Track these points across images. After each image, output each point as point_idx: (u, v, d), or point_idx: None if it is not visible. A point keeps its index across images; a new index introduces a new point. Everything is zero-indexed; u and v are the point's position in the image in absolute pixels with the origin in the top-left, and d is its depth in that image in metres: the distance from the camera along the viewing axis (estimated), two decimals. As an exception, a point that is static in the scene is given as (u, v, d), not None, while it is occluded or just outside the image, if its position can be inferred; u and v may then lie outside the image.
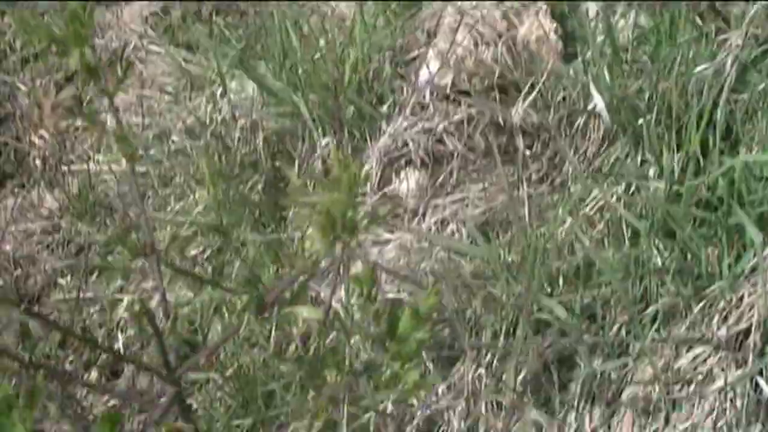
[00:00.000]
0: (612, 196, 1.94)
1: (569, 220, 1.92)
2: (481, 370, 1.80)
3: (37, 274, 2.36)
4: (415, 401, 1.81)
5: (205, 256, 2.23)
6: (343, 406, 1.68)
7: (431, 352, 1.82)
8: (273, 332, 1.87)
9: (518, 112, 2.10)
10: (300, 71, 2.18)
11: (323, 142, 2.17)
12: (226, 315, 1.93)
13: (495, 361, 1.80)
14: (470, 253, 1.95)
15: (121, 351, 2.19)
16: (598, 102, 2.05)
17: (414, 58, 2.27)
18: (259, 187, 2.20)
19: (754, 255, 1.79)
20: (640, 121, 2.00)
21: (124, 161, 2.42)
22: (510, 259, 1.90)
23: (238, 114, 2.28)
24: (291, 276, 0.79)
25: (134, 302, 1.09)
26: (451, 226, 2.05)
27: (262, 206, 2.20)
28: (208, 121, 2.26)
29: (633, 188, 1.96)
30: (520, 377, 1.78)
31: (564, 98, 2.11)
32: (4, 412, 0.53)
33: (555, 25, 2.27)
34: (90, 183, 2.45)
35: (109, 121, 2.60)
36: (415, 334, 0.78)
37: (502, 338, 1.81)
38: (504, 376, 1.78)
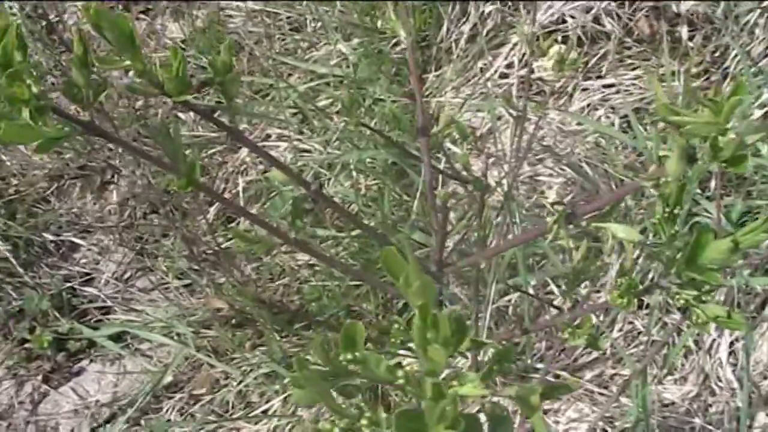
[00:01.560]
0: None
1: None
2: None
3: (159, 106, 2.31)
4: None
5: (335, 110, 2.17)
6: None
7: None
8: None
9: (685, -1, 1.98)
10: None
11: (478, 8, 2.07)
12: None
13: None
14: (623, 140, 1.88)
15: (241, 195, 2.17)
16: (772, -2, 1.94)
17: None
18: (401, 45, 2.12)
19: None
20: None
21: None
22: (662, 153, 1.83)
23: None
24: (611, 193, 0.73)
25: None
26: (600, 112, 1.97)
27: (401, 63, 2.12)
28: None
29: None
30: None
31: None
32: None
33: None
34: (218, 17, 2.38)
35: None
36: (720, 264, 0.73)
37: (650, 236, 1.75)
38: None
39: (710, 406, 1.70)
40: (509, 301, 1.72)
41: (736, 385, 1.70)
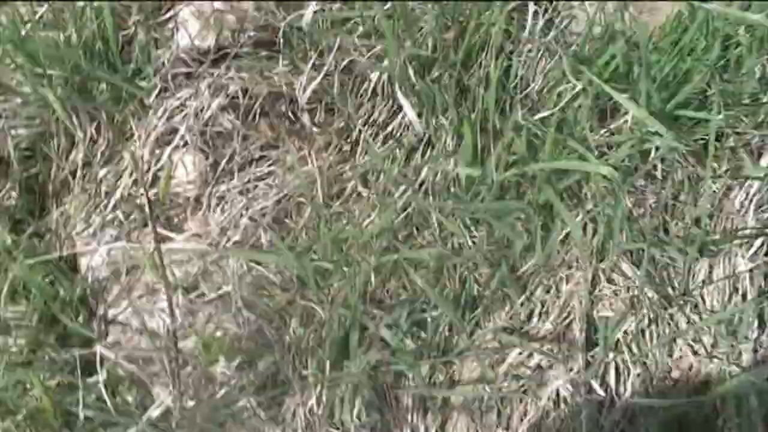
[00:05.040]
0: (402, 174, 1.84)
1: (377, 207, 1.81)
2: (312, 402, 1.70)
3: None
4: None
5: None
6: None
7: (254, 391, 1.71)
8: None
9: (301, 84, 1.89)
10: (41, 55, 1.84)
11: (80, 134, 1.88)
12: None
13: (325, 390, 1.70)
14: (273, 262, 1.80)
15: None
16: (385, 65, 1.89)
17: (169, 19, 1.97)
18: (13, 194, 1.90)
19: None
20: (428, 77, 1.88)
21: None
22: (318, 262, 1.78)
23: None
24: None
25: None
26: (244, 221, 1.88)
27: (17, 211, 1.92)
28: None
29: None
30: (355, 405, 1.71)
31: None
32: None
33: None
34: None
35: None
36: None
37: (328, 365, 1.70)
38: (337, 406, 1.70)
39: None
40: None
41: None
